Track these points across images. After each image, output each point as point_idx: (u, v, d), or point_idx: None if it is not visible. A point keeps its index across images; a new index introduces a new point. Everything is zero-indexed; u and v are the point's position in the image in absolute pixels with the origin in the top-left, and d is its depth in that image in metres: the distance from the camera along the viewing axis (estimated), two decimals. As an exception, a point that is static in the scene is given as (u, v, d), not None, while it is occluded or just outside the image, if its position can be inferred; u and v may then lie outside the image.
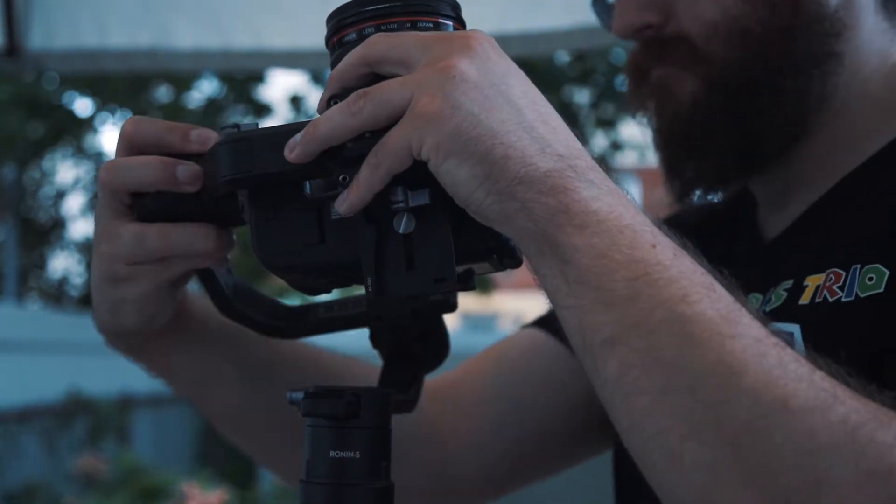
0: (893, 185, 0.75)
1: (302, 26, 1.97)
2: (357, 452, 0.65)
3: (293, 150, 0.60)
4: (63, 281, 14.02)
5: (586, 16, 1.96)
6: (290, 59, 2.02)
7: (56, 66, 2.17)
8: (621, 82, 10.10)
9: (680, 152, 0.82)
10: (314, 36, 1.96)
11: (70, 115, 12.37)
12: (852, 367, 0.62)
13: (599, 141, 10.62)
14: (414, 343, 0.79)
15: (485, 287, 9.75)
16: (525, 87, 0.60)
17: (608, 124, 10.23)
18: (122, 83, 10.26)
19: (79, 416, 6.46)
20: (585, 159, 0.59)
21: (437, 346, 0.81)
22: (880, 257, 0.69)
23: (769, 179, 0.84)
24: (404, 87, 0.58)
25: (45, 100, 11.32)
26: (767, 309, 0.77)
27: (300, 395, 0.68)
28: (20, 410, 5.99)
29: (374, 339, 0.80)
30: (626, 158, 11.75)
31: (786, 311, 0.75)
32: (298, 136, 0.60)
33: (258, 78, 9.05)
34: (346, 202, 0.60)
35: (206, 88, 10.71)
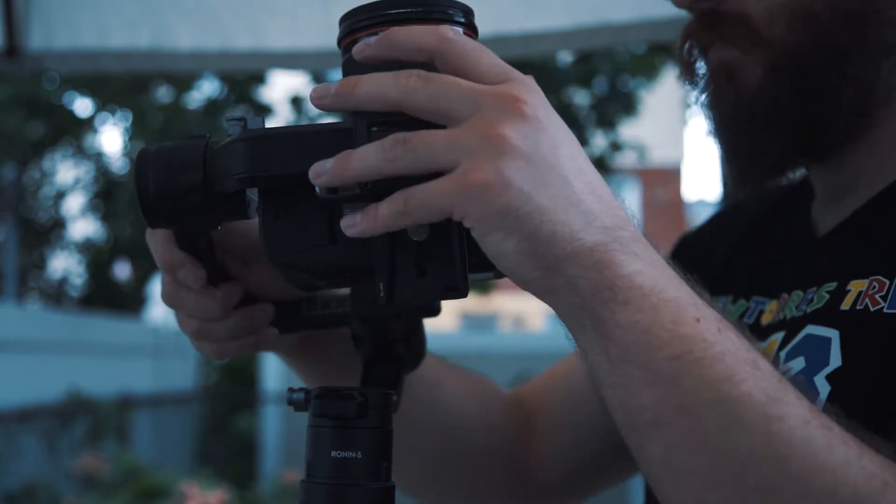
0: None
1: (302, 27, 1.97)
2: (358, 452, 0.65)
3: (320, 177, 0.58)
4: (63, 281, 14.02)
5: (587, 16, 1.97)
6: (290, 60, 2.02)
7: (56, 66, 2.17)
8: (623, 82, 10.12)
9: (742, 138, 0.78)
10: (314, 36, 1.97)
11: (70, 115, 12.38)
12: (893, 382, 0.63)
13: (599, 141, 10.62)
14: (397, 344, 0.80)
15: (484, 287, 9.75)
16: (573, 154, 0.57)
17: (608, 125, 10.23)
18: (122, 84, 10.26)
19: (79, 416, 6.47)
20: (629, 229, 0.57)
21: (417, 346, 0.82)
22: None
23: (829, 171, 0.81)
24: (452, 149, 0.55)
25: (45, 100, 11.32)
26: (808, 310, 0.75)
27: (301, 395, 0.68)
28: (20, 410, 5.99)
29: (356, 340, 0.81)
30: (626, 159, 11.76)
31: (826, 315, 0.73)
32: (328, 164, 0.58)
33: (259, 79, 9.05)
34: (357, 228, 0.58)
35: (206, 89, 10.71)
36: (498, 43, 1.91)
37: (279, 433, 7.91)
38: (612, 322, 0.55)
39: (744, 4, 0.76)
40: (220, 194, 0.67)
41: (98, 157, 13.49)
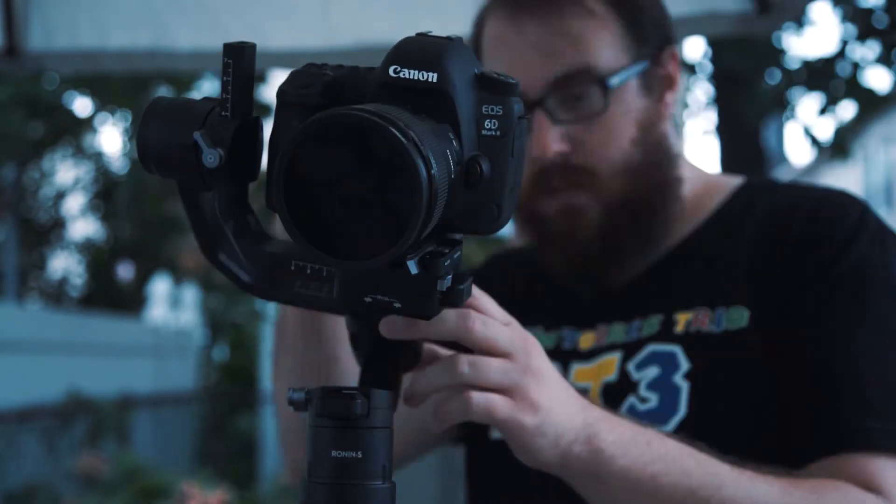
0: (720, 250, 1.08)
1: (302, 26, 1.97)
2: (359, 452, 0.66)
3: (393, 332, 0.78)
4: (63, 281, 14.03)
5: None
6: (290, 59, 2.02)
7: (55, 66, 2.17)
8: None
9: (592, 261, 1.08)
10: (314, 36, 1.97)
11: (70, 115, 12.38)
12: (733, 381, 1.01)
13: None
14: (395, 344, 0.79)
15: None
16: (559, 379, 0.84)
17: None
18: (122, 84, 10.26)
19: (79, 416, 6.46)
20: (597, 410, 0.85)
21: (415, 346, 0.81)
22: (740, 301, 1.03)
23: None
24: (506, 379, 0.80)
25: (45, 100, 11.32)
26: (643, 335, 1.06)
27: (301, 394, 0.68)
28: (20, 410, 5.99)
29: (354, 340, 0.80)
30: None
31: (664, 337, 1.05)
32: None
33: (259, 78, 9.06)
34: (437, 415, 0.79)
35: (206, 88, 10.71)
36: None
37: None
38: (607, 473, 0.83)
39: (590, 160, 1.05)
40: (209, 176, 0.67)
41: (98, 157, 13.49)
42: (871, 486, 0.91)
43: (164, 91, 10.90)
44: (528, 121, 0.74)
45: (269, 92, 9.79)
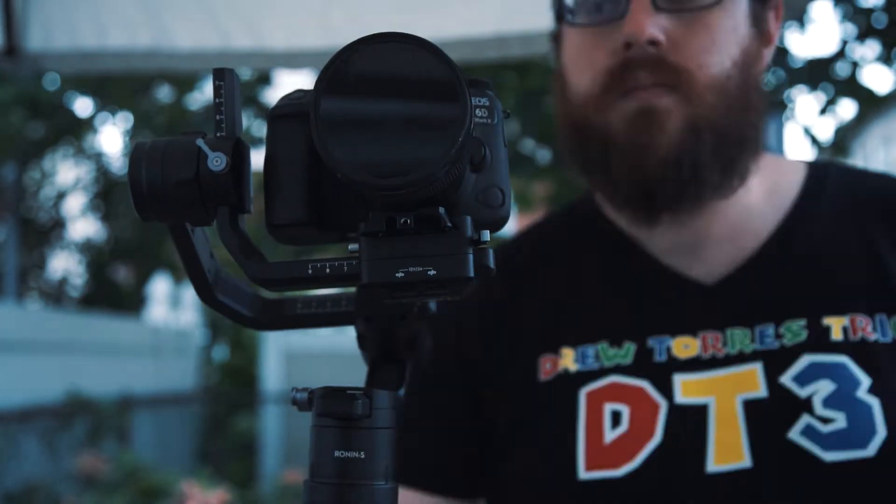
0: (838, 245, 0.93)
1: (302, 26, 1.98)
2: (362, 453, 0.66)
3: None
4: (63, 281, 14.02)
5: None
6: (290, 60, 2.02)
7: (55, 66, 2.17)
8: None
9: (671, 181, 0.92)
10: (314, 36, 1.97)
11: (70, 115, 12.38)
12: None
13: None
14: (401, 345, 0.80)
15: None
16: None
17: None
18: (125, 85, 10.25)
19: (79, 416, 6.46)
20: None
21: (422, 348, 0.82)
22: None
23: (678, 227, 0.96)
24: None
25: (46, 100, 11.32)
26: (787, 343, 0.90)
27: (304, 394, 0.68)
28: (20, 410, 5.99)
29: (361, 340, 0.81)
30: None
31: (820, 345, 0.89)
32: None
33: (265, 80, 9.04)
34: None
35: (208, 90, 10.70)
36: (498, 43, 1.91)
37: (279, 433, 7.92)
38: None
39: (686, 61, 0.90)
40: (212, 189, 0.67)
41: (98, 158, 13.49)
42: None
43: (165, 91, 10.90)
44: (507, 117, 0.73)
45: (271, 93, 9.78)
